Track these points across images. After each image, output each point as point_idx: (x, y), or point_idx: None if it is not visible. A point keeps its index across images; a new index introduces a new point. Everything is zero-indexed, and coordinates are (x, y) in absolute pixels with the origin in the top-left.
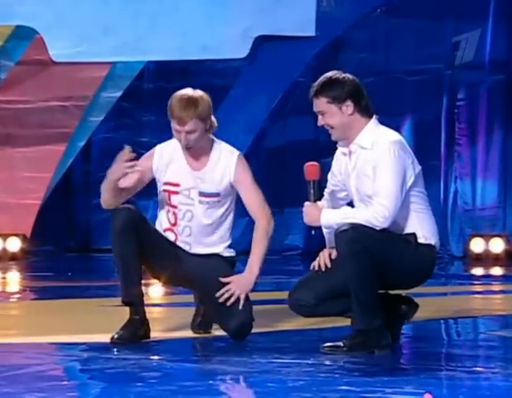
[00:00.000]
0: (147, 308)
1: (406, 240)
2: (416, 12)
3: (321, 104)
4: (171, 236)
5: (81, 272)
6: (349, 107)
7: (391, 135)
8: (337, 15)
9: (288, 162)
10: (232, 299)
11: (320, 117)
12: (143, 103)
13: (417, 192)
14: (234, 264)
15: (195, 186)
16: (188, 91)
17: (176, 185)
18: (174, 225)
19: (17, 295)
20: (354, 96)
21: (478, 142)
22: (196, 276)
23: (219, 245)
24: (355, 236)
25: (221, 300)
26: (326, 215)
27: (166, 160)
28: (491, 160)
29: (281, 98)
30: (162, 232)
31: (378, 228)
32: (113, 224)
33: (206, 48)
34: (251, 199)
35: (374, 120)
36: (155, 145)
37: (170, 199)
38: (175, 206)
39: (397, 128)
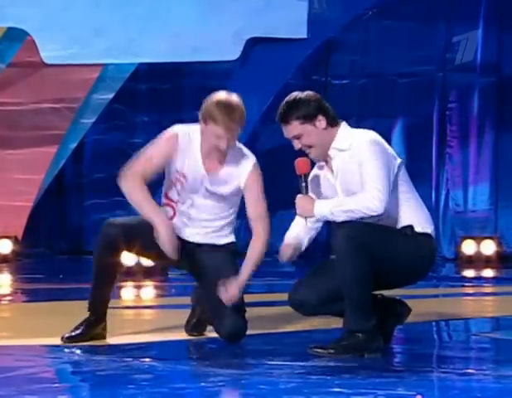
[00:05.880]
0: (139, 311)
1: (404, 233)
2: (408, 15)
3: (294, 128)
4: (169, 211)
5: (73, 274)
6: (321, 121)
7: (367, 133)
8: (329, 17)
9: (280, 165)
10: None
11: (295, 141)
12: (136, 104)
13: (404, 182)
14: (235, 254)
15: (202, 184)
16: (232, 97)
17: (184, 176)
18: (176, 202)
19: (9, 297)
20: (322, 110)
21: (469, 144)
22: (202, 270)
23: (219, 232)
24: (352, 233)
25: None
26: (320, 205)
27: (183, 150)
28: (483, 162)
29: (273, 100)
30: (163, 204)
31: (375, 213)
32: (100, 237)
33: (198, 50)
34: (257, 211)
35: (344, 125)
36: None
37: (175, 185)
38: (178, 193)
39: (388, 130)
